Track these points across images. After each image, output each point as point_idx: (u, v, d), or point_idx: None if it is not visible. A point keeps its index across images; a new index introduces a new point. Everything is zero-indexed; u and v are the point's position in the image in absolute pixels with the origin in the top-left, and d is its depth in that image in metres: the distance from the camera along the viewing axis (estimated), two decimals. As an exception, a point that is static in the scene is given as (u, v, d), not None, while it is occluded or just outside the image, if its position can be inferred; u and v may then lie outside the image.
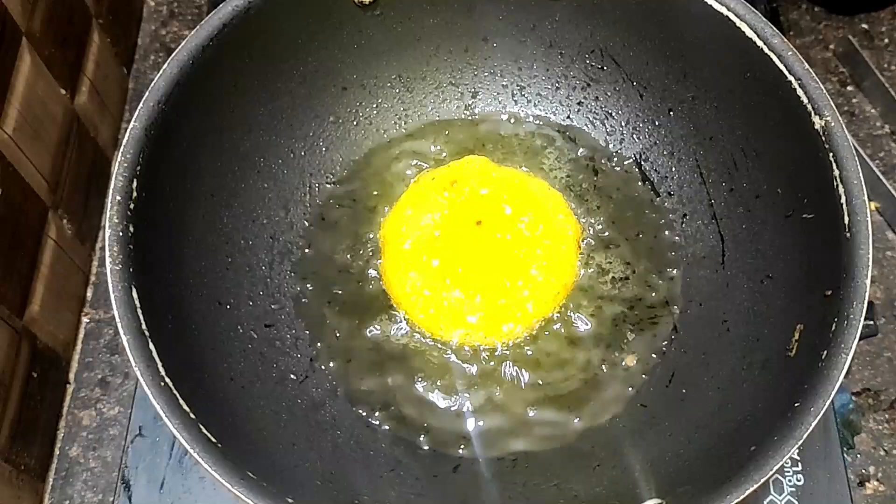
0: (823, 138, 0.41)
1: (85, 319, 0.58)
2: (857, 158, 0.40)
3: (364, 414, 0.46)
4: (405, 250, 0.49)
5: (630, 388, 0.47)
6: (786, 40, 0.43)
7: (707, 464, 0.40)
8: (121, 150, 0.40)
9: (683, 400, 0.46)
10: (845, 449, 0.50)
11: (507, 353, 0.48)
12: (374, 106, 0.54)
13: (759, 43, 0.43)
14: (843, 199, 0.40)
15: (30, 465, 0.50)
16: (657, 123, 0.52)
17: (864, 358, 0.57)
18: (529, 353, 0.48)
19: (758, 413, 0.40)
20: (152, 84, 0.41)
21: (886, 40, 0.70)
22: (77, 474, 0.53)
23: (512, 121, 0.55)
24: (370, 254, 0.51)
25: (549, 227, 0.50)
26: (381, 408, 0.47)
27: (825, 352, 0.37)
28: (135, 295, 0.37)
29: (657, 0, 0.47)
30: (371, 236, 0.52)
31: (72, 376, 0.56)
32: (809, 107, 0.42)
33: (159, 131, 0.41)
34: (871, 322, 0.51)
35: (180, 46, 0.43)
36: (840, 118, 0.41)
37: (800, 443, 0.36)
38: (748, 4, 0.44)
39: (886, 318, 0.58)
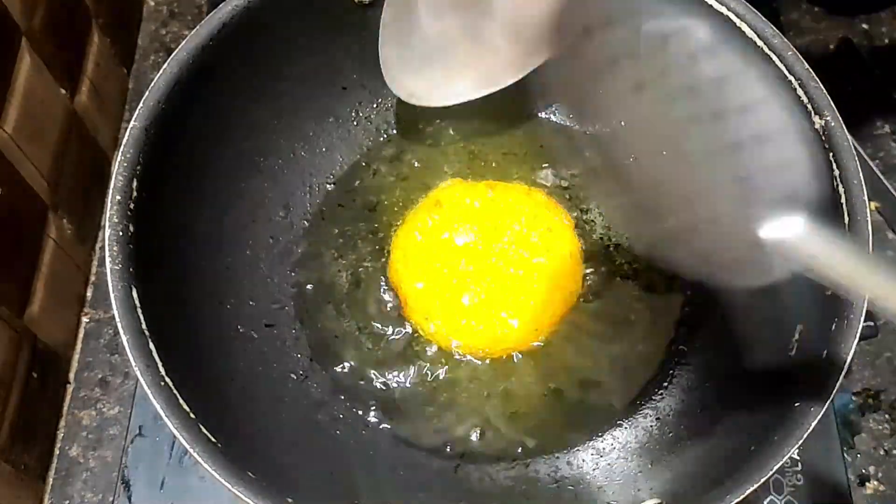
0: (823, 138, 0.41)
1: (85, 319, 0.58)
2: (857, 158, 0.40)
3: (364, 414, 0.46)
4: (417, 290, 0.49)
5: (630, 389, 0.47)
6: (786, 40, 0.43)
7: (707, 464, 0.40)
8: (121, 149, 0.40)
9: (683, 400, 0.46)
10: (845, 449, 0.50)
11: (508, 355, 0.48)
12: (374, 106, 0.54)
13: (760, 43, 0.43)
14: (843, 199, 0.40)
15: (30, 465, 0.50)
16: (657, 123, 0.52)
17: (864, 358, 0.57)
18: (530, 355, 0.48)
19: (758, 413, 0.40)
20: (152, 84, 0.41)
21: (886, 40, 0.69)
22: (77, 474, 0.53)
23: (512, 121, 0.55)
24: (370, 253, 0.51)
25: (547, 235, 0.50)
26: (382, 408, 0.47)
27: (825, 352, 0.37)
28: (135, 295, 0.37)
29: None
30: (371, 236, 0.52)
31: (72, 376, 0.56)
32: (809, 106, 0.42)
33: (159, 131, 0.41)
34: (872, 323, 0.50)
35: (180, 46, 0.43)
36: (840, 118, 0.41)
37: (800, 443, 0.36)
38: (748, 4, 0.44)
39: (886, 318, 0.58)
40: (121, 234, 0.38)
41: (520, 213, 0.50)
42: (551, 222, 0.50)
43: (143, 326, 0.37)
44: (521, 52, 0.48)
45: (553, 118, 0.55)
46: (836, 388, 0.37)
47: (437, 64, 0.49)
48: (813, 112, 0.41)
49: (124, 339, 0.36)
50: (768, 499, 0.48)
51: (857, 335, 0.37)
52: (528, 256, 0.49)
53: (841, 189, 0.40)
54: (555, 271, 0.49)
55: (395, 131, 0.54)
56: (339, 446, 0.45)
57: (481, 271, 0.48)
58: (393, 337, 0.49)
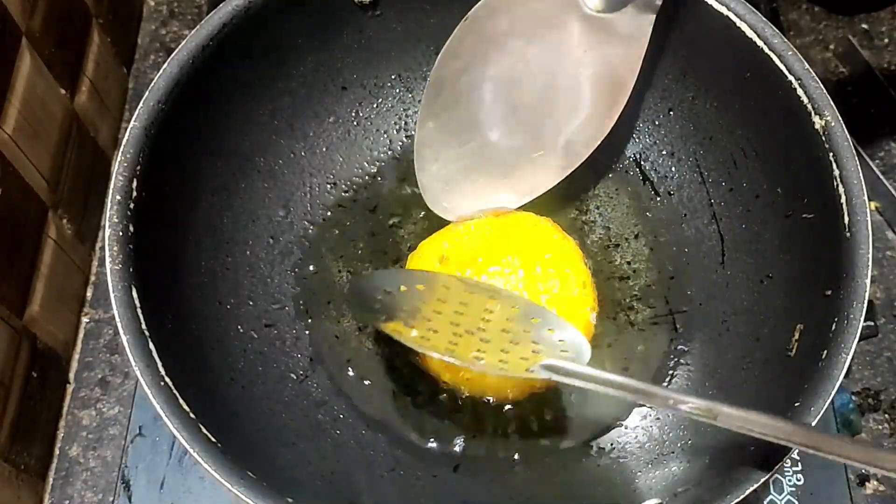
0: (823, 138, 0.41)
1: (85, 319, 0.58)
2: (857, 158, 0.40)
3: (364, 414, 0.46)
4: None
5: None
6: (786, 40, 0.43)
7: (707, 464, 0.40)
8: (121, 149, 0.40)
9: (683, 400, 0.46)
10: (845, 449, 0.50)
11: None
12: (374, 106, 0.54)
13: (759, 43, 0.43)
14: (843, 199, 0.40)
15: (30, 464, 0.50)
16: (657, 123, 0.52)
17: (864, 358, 0.57)
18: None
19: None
20: (152, 84, 0.41)
21: (886, 40, 0.70)
22: (77, 474, 0.53)
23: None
24: (370, 254, 0.51)
25: (557, 270, 0.47)
26: (382, 407, 0.47)
27: (825, 352, 0.37)
28: (135, 295, 0.37)
29: (657, 0, 0.47)
30: (371, 236, 0.52)
31: (72, 376, 0.56)
32: (809, 107, 0.42)
33: (159, 131, 0.41)
34: (872, 323, 0.51)
35: (180, 46, 0.43)
36: (840, 118, 0.41)
37: (800, 442, 0.36)
38: (748, 4, 0.44)
39: (886, 318, 0.58)
40: (121, 234, 0.38)
41: (528, 248, 0.47)
42: (561, 255, 0.48)
43: (143, 326, 0.37)
44: (554, 162, 0.48)
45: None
46: (836, 388, 0.37)
47: (472, 180, 0.48)
48: (813, 112, 0.41)
49: (124, 339, 0.36)
50: (768, 499, 0.48)
51: (857, 335, 0.37)
52: (542, 295, 0.46)
53: (841, 189, 0.40)
54: (569, 306, 0.46)
55: (394, 132, 0.54)
56: (339, 446, 0.45)
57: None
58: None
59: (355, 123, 0.53)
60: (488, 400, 0.47)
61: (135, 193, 0.39)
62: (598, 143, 0.48)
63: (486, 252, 0.48)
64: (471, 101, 0.47)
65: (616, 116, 0.47)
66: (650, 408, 0.37)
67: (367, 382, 0.48)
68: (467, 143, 0.48)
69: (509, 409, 0.47)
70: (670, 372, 0.47)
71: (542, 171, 0.49)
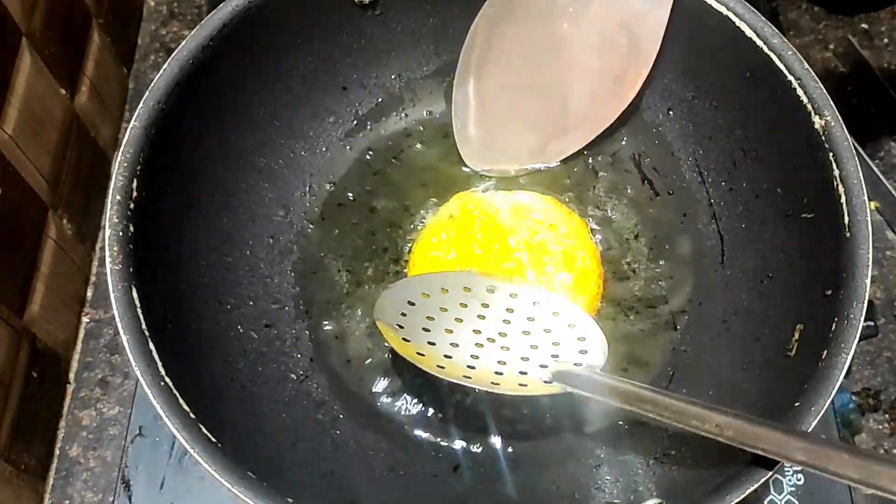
0: (823, 138, 0.41)
1: (85, 319, 0.58)
2: (857, 158, 0.40)
3: (364, 414, 0.46)
4: None
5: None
6: (786, 40, 0.43)
7: (707, 464, 0.40)
8: (121, 149, 0.40)
9: (683, 400, 0.46)
10: (845, 449, 0.50)
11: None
12: (374, 106, 0.54)
13: (759, 43, 0.43)
14: (843, 199, 0.40)
15: (30, 465, 0.50)
16: (657, 123, 0.52)
17: (864, 358, 0.57)
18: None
19: (758, 413, 0.40)
20: (152, 84, 0.41)
21: (886, 40, 0.70)
22: (77, 474, 0.53)
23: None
24: (370, 253, 0.51)
25: (565, 242, 0.49)
26: (382, 407, 0.47)
27: (825, 352, 0.37)
28: (135, 295, 0.37)
29: (657, 0, 0.47)
30: (371, 236, 0.52)
31: (72, 376, 0.56)
32: (809, 106, 0.42)
33: (159, 131, 0.41)
34: (872, 323, 0.51)
35: (180, 46, 0.43)
36: (840, 118, 0.41)
37: (800, 442, 0.36)
38: (748, 4, 0.44)
39: (886, 318, 0.58)
40: (121, 234, 0.38)
41: (535, 221, 0.49)
42: (568, 228, 0.49)
43: (143, 326, 0.37)
44: (585, 123, 0.51)
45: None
46: (836, 388, 0.37)
47: (508, 137, 0.51)
48: (813, 112, 0.41)
49: (124, 339, 0.36)
50: (768, 498, 0.48)
51: (857, 335, 0.37)
52: (549, 267, 0.48)
53: (841, 189, 0.40)
54: (576, 279, 0.48)
55: (394, 131, 0.54)
56: (339, 446, 0.45)
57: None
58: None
59: (355, 123, 0.53)
60: (489, 401, 0.47)
61: (135, 193, 0.39)
62: (626, 106, 0.50)
63: (496, 221, 0.49)
64: (506, 63, 0.50)
65: (640, 82, 0.49)
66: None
67: (367, 382, 0.48)
68: (503, 103, 0.51)
69: (509, 409, 0.47)
70: (670, 372, 0.47)
71: (574, 131, 0.52)
